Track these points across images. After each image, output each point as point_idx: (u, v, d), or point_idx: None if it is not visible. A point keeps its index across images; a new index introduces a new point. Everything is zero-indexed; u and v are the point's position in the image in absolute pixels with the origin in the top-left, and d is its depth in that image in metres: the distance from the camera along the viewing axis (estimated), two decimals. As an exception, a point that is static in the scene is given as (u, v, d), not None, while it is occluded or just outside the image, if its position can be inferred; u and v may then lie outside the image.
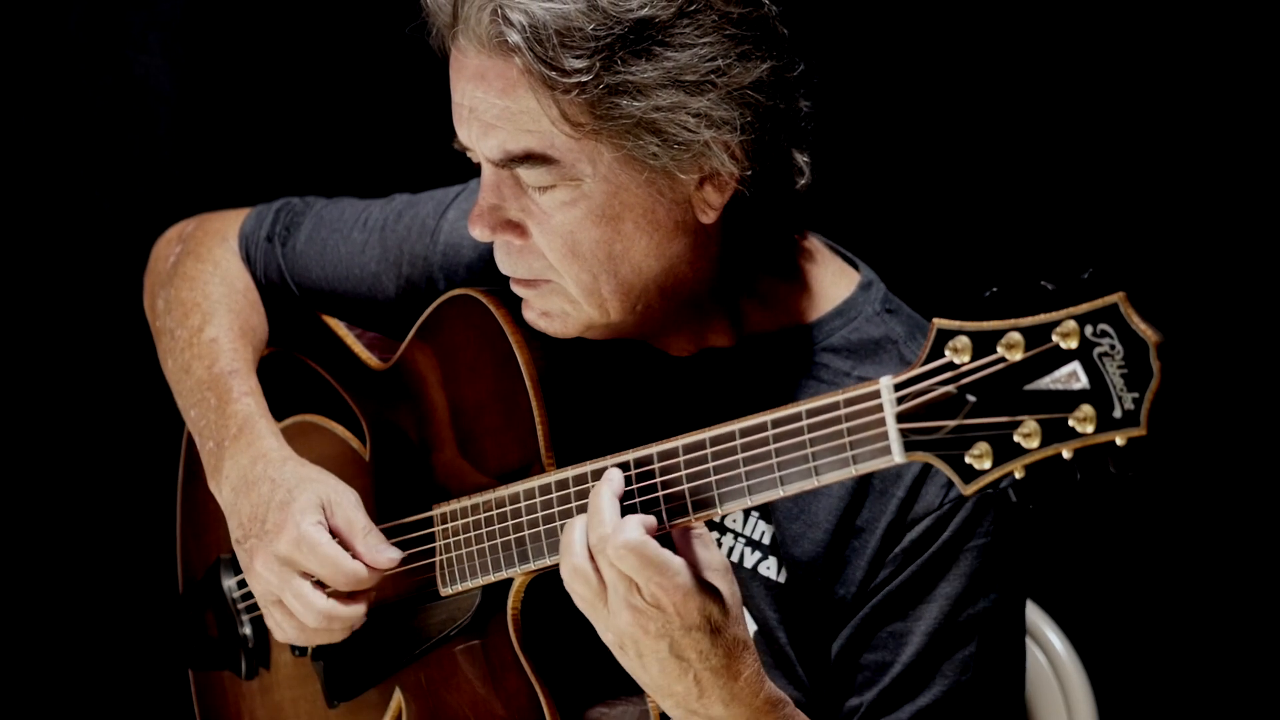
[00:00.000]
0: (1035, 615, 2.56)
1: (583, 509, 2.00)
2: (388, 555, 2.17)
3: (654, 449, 1.96)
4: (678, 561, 1.89)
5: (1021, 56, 3.02)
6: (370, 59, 3.26)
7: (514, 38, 1.98)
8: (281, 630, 2.23)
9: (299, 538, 2.15)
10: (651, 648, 1.91)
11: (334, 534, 2.17)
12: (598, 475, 2.00)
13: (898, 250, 2.57)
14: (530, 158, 2.04)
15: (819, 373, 2.15)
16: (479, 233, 2.10)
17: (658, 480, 1.95)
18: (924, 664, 2.07)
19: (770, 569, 2.14)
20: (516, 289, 2.15)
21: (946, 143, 3.09)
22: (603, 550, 1.90)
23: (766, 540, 2.15)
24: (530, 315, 2.15)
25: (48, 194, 3.27)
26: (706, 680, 1.93)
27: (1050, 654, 2.58)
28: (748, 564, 2.15)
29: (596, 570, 1.92)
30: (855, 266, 2.23)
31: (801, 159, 2.14)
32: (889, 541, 2.08)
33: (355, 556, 2.16)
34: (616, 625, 1.92)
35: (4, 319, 3.29)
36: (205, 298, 2.44)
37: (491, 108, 2.03)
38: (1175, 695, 3.09)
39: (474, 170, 2.15)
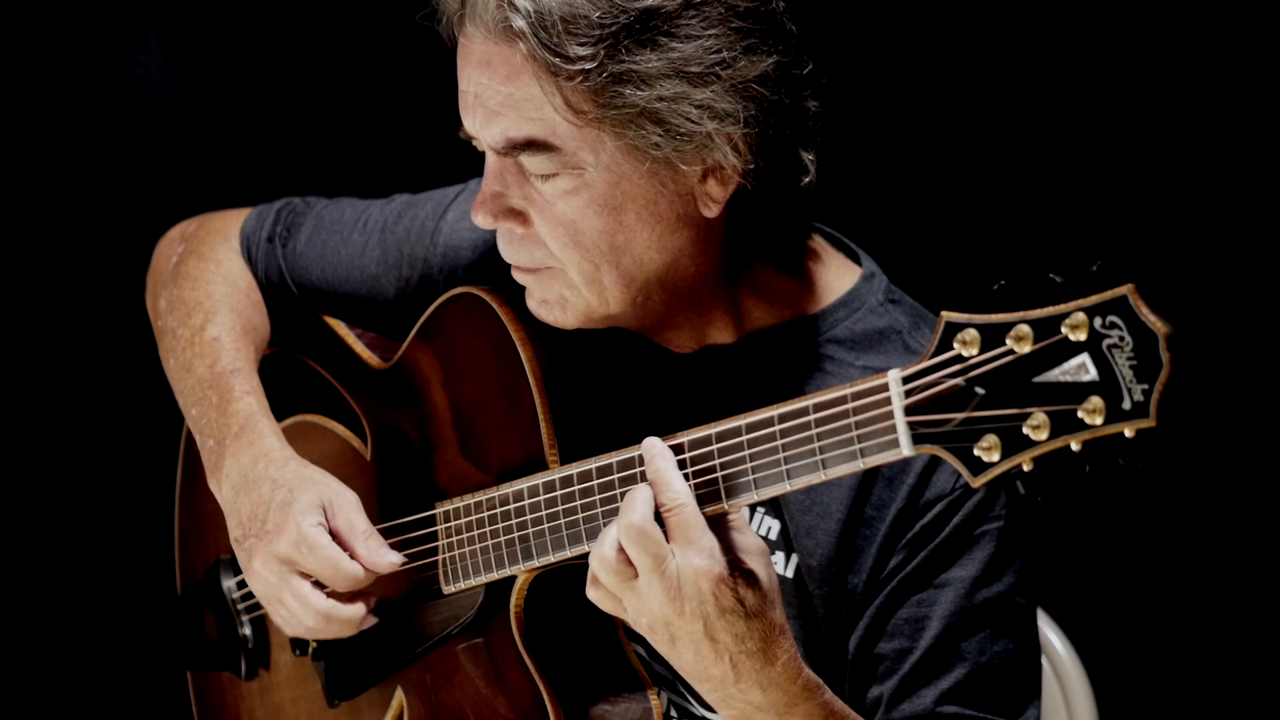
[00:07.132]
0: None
1: (587, 506, 2.01)
2: (388, 559, 2.16)
3: None
4: (711, 541, 1.89)
5: (1030, 48, 3.03)
6: (371, 59, 3.27)
7: (519, 24, 1.99)
8: (286, 625, 2.23)
9: (300, 539, 2.15)
10: (685, 630, 1.90)
11: (334, 536, 2.16)
12: (602, 472, 2.00)
13: (907, 243, 2.58)
14: (532, 145, 2.04)
15: (824, 364, 2.15)
16: (481, 219, 2.10)
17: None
18: (943, 648, 2.07)
19: (778, 564, 2.14)
20: (518, 276, 2.15)
21: (954, 136, 3.10)
22: (640, 531, 1.88)
23: (773, 536, 2.14)
24: (531, 303, 2.15)
25: (49, 195, 3.27)
26: (742, 664, 1.91)
27: (1050, 654, 2.59)
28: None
29: (628, 560, 1.89)
30: (857, 259, 2.24)
31: (808, 157, 2.13)
32: (899, 528, 2.08)
33: (355, 559, 2.16)
34: (650, 609, 1.90)
35: (5, 319, 3.28)
36: (207, 296, 2.43)
37: (495, 94, 2.04)
38: (1175, 695, 3.09)
39: (477, 166, 2.15)
